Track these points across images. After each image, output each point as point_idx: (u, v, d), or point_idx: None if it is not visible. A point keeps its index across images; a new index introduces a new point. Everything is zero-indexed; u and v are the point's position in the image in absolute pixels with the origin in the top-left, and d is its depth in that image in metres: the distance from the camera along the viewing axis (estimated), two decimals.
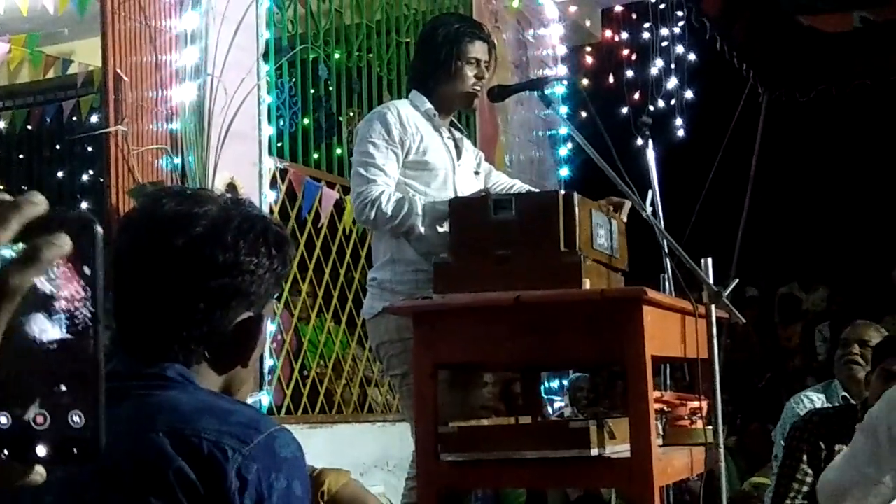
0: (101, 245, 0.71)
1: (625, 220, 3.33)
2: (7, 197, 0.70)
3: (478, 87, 3.56)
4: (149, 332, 1.43)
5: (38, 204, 0.69)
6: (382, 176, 3.35)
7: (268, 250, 1.45)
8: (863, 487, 2.71)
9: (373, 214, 3.32)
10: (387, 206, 3.30)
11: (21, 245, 0.68)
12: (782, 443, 4.20)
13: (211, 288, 1.41)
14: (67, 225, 0.70)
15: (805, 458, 3.78)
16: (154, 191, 1.60)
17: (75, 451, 0.69)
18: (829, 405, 4.31)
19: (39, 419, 0.68)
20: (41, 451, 0.68)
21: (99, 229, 0.71)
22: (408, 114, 3.47)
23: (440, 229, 3.35)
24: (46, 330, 0.69)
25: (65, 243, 0.68)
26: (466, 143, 3.71)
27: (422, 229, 3.31)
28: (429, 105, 3.53)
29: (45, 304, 0.69)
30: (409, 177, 3.44)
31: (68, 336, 0.70)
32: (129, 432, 1.31)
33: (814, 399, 4.47)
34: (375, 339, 3.46)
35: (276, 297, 1.58)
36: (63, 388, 0.69)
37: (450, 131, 3.61)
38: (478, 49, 3.54)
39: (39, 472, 0.69)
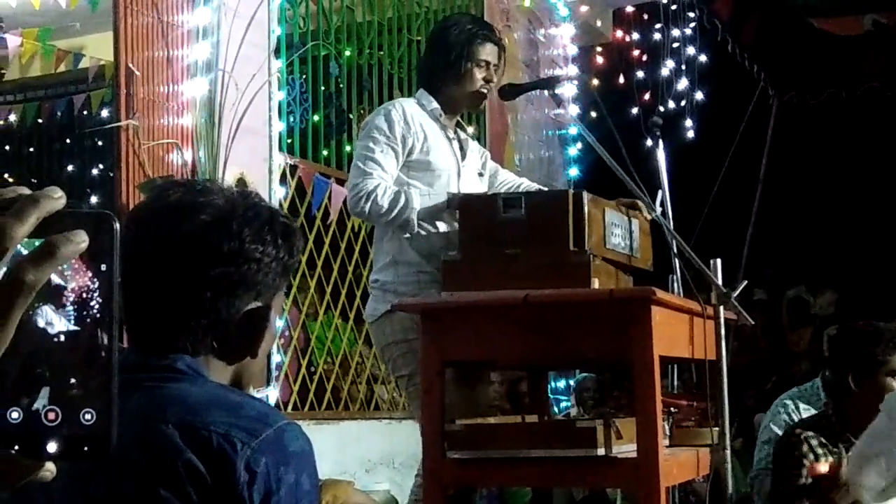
0: (119, 242, 0.71)
1: (651, 217, 3.30)
2: (26, 191, 0.69)
3: (485, 90, 3.55)
4: (156, 322, 1.43)
5: (56, 199, 0.69)
6: (379, 170, 3.35)
7: (273, 239, 1.45)
8: (880, 460, 2.90)
9: (367, 207, 3.31)
10: (382, 199, 3.29)
11: (38, 240, 0.68)
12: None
13: (216, 276, 1.40)
14: (86, 221, 0.69)
15: (796, 464, 3.72)
16: (162, 183, 1.60)
17: (86, 448, 0.69)
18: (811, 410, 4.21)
19: (51, 415, 0.68)
20: (52, 447, 0.68)
21: (117, 226, 0.70)
22: (413, 112, 3.47)
23: (441, 228, 3.36)
24: (59, 325, 0.69)
25: (82, 240, 0.68)
26: (472, 144, 3.70)
27: (416, 225, 3.31)
28: (435, 105, 3.52)
29: (58, 298, 0.69)
30: (413, 177, 3.43)
31: (81, 331, 0.69)
32: (139, 424, 1.31)
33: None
34: (380, 342, 3.45)
35: (284, 291, 1.58)
36: (75, 383, 0.69)
37: (455, 132, 3.60)
38: (488, 51, 3.53)
39: (49, 469, 0.69)
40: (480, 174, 3.69)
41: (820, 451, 3.68)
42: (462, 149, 3.59)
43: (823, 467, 3.52)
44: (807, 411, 4.20)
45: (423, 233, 3.36)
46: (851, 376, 3.65)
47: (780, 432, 4.17)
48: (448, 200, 3.33)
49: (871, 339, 3.63)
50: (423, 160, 3.44)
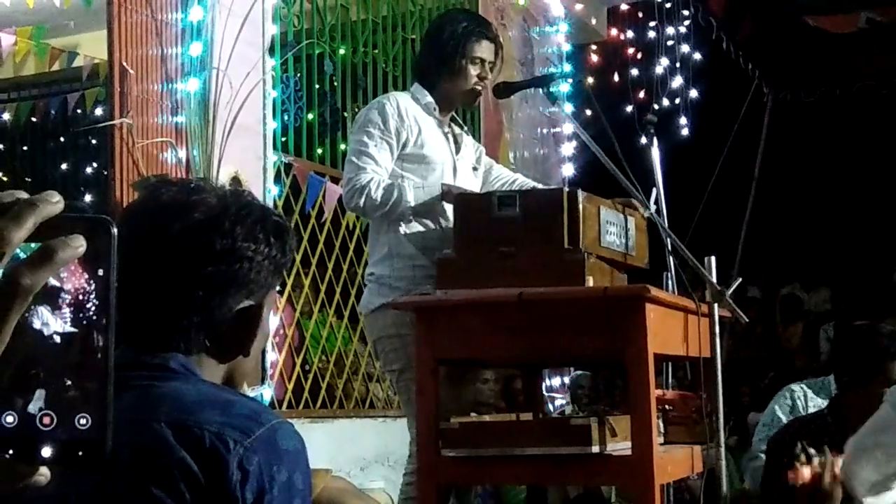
0: (116, 247, 0.70)
1: (646, 215, 3.30)
2: (24, 195, 0.69)
3: (480, 87, 3.55)
4: (148, 320, 1.42)
5: (54, 203, 0.69)
6: (373, 164, 3.36)
7: (266, 237, 1.45)
8: (877, 452, 2.87)
9: (361, 201, 3.32)
10: (376, 192, 3.31)
11: (35, 244, 0.67)
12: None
13: (209, 274, 1.40)
14: (83, 225, 0.69)
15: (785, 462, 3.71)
16: (155, 182, 1.59)
17: (81, 453, 0.68)
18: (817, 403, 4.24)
19: (46, 420, 0.68)
20: (46, 452, 0.68)
21: (114, 231, 0.70)
22: (407, 106, 3.48)
23: (437, 224, 3.36)
24: (55, 328, 0.69)
25: (79, 244, 0.68)
26: (466, 139, 3.70)
27: (410, 218, 3.33)
28: (429, 99, 3.53)
29: (55, 302, 0.69)
30: (407, 169, 3.44)
31: (77, 335, 0.69)
32: (131, 423, 1.31)
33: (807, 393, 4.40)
34: (373, 334, 3.46)
35: (278, 289, 1.58)
36: (70, 387, 0.68)
37: (450, 126, 3.61)
38: (483, 49, 3.53)
39: (44, 473, 0.69)
40: (475, 168, 3.69)
41: (812, 450, 3.68)
42: (457, 143, 3.60)
43: (805, 473, 3.52)
44: (812, 400, 4.23)
45: (419, 227, 3.37)
46: (849, 381, 3.63)
47: (783, 416, 4.20)
48: (442, 193, 3.34)
49: (871, 345, 3.58)
50: (418, 153, 3.45)
